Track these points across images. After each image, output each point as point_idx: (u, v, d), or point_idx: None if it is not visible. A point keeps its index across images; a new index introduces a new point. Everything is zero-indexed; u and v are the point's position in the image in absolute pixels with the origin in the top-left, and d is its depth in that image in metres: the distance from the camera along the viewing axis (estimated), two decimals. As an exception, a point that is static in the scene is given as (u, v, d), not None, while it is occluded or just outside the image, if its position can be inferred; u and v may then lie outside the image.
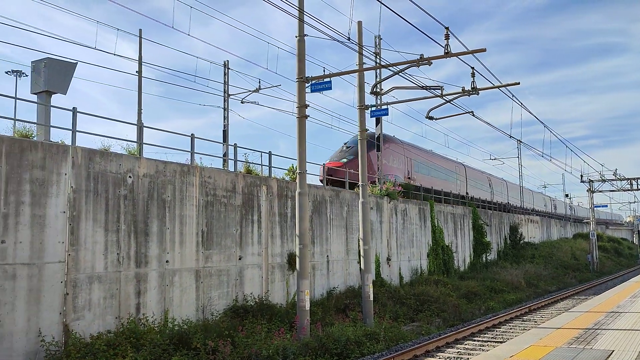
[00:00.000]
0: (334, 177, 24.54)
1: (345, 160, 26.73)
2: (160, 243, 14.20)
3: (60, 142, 12.36)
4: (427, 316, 20.29)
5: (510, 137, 27.97)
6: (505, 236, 43.93)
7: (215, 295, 15.75)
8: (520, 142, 37.30)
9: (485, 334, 17.69)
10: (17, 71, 37.58)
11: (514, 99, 20.93)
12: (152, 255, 13.91)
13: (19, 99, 12.75)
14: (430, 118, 20.42)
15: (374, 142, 27.85)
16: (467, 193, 40.41)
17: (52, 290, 11.46)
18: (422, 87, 18.21)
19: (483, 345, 15.55)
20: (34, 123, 12.22)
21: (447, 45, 14.49)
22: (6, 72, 38.52)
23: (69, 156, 12.10)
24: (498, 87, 17.94)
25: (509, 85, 17.85)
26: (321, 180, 24.36)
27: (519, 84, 17.58)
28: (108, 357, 11.03)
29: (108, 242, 12.81)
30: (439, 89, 18.44)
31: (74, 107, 12.88)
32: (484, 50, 14.38)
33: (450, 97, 18.90)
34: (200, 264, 15.39)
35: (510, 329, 18.73)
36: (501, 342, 15.35)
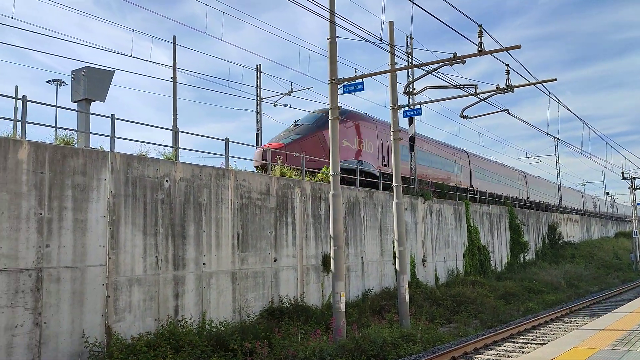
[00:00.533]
0: (273, 162, 18.51)
1: (288, 140, 20.97)
2: (197, 246, 14.42)
3: (99, 148, 12.69)
4: (464, 317, 20.02)
5: (547, 134, 27.35)
6: (543, 236, 43.02)
7: (252, 297, 15.90)
8: (558, 139, 36.44)
9: (524, 335, 17.34)
10: (57, 80, 38.71)
11: (551, 95, 20.48)
12: (189, 258, 14.13)
13: (60, 107, 13.16)
14: (465, 117, 20.18)
15: (328, 117, 21.92)
16: (471, 185, 35.36)
17: (94, 293, 11.77)
18: (456, 86, 18.01)
19: (523, 347, 15.25)
20: (75, 130, 12.58)
21: (480, 42, 14.30)
22: (47, 82, 39.72)
23: (108, 162, 12.42)
24: (534, 83, 17.60)
25: (545, 81, 17.49)
26: (256, 167, 20.06)
27: (555, 80, 17.20)
28: (149, 358, 11.25)
29: (147, 246, 13.08)
30: (473, 88, 18.21)
31: (112, 114, 13.21)
32: (518, 47, 14.13)
33: (484, 96, 18.65)
34: (236, 266, 15.55)
35: (551, 330, 18.32)
36: (542, 344, 15.03)
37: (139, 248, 12.90)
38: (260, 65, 28.20)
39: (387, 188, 24.52)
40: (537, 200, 47.37)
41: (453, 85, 18.06)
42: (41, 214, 11.00)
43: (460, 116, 20.09)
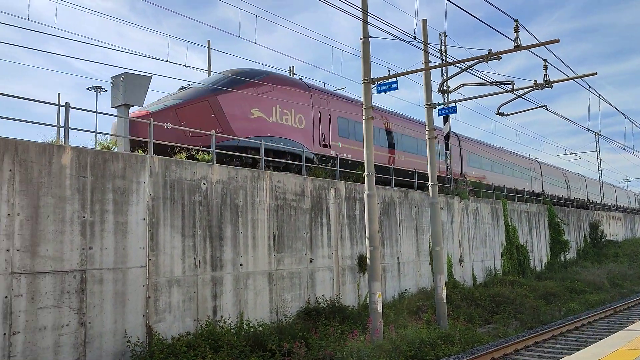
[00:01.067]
0: (138, 138, 13.62)
1: (159, 107, 15.22)
2: (234, 247, 14.59)
3: (138, 152, 12.98)
4: (504, 318, 19.68)
5: (588, 130, 26.68)
6: (584, 234, 41.91)
7: (288, 298, 15.99)
8: (599, 134, 35.50)
9: (566, 336, 16.93)
10: (97, 87, 39.77)
11: (591, 90, 19.96)
12: (226, 259, 14.31)
13: (100, 112, 13.52)
14: (501, 114, 19.85)
15: (234, 78, 16.90)
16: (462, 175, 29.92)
17: (136, 294, 12.04)
18: (492, 83, 17.73)
19: (565, 349, 14.89)
20: (115, 135, 12.89)
21: (516, 38, 14.03)
22: (87, 88, 40.91)
23: (147, 165, 12.69)
24: (573, 78, 17.18)
25: (584, 76, 17.05)
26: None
27: (596, 74, 16.76)
28: (189, 358, 11.44)
29: (185, 247, 13.31)
30: (509, 84, 17.89)
31: (150, 119, 13.49)
32: (556, 41, 13.81)
33: (521, 92, 18.30)
34: (273, 267, 15.67)
35: (595, 331, 17.83)
36: (585, 345, 14.64)
37: (178, 249, 13.13)
38: (293, 67, 28.35)
39: (422, 187, 24.33)
40: (578, 198, 46.18)
41: (489, 82, 17.80)
42: (84, 217, 11.32)
43: (497, 113, 19.78)
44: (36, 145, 10.75)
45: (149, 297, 12.32)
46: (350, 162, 20.49)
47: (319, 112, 19.90)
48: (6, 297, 9.91)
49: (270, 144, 17.09)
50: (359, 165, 19.63)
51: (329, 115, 20.30)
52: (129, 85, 12.88)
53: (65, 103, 11.76)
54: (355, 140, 21.17)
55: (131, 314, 11.90)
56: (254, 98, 17.03)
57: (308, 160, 18.75)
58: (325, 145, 19.97)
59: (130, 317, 11.88)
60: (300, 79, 21.13)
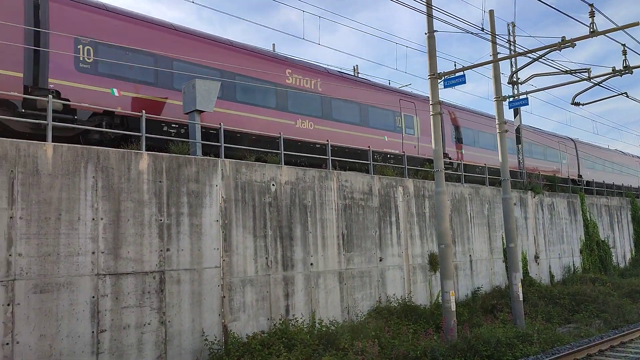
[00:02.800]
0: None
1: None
2: (304, 247, 14.74)
3: (210, 156, 13.37)
4: (585, 317, 18.76)
5: (673, 117, 24.94)
6: (672, 228, 39.27)
7: (359, 297, 15.98)
8: (685, 121, 33.07)
9: (656, 337, 15.92)
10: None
11: (676, 74, 18.67)
12: (297, 259, 14.49)
13: (173, 120, 14.01)
14: (576, 104, 18.96)
15: None
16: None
17: (211, 294, 12.41)
18: (566, 72, 16.96)
19: (655, 350, 14.02)
20: (188, 140, 13.33)
21: (592, 23, 13.36)
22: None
23: (218, 169, 13.05)
24: (655, 62, 16.13)
25: (668, 59, 15.97)
26: None
27: (681, 56, 15.67)
28: (264, 356, 11.66)
29: (257, 247, 13.58)
30: (585, 72, 17.05)
31: (220, 123, 13.87)
32: (636, 24, 13.02)
33: (598, 80, 17.40)
34: (343, 266, 15.71)
35: (687, 331, 16.66)
36: (677, 347, 13.72)
37: (250, 250, 13.42)
38: (357, 66, 28.30)
39: (494, 183, 23.63)
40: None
41: (562, 71, 17.04)
42: (161, 220, 11.79)
43: (572, 103, 18.90)
44: (116, 152, 11.30)
45: (224, 297, 12.67)
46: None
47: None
48: (93, 297, 10.49)
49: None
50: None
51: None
52: (200, 92, 13.28)
53: (142, 111, 12.28)
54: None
55: (207, 313, 12.28)
56: None
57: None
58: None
59: (207, 316, 12.26)
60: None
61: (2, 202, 9.60)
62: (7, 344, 9.31)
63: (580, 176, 33.33)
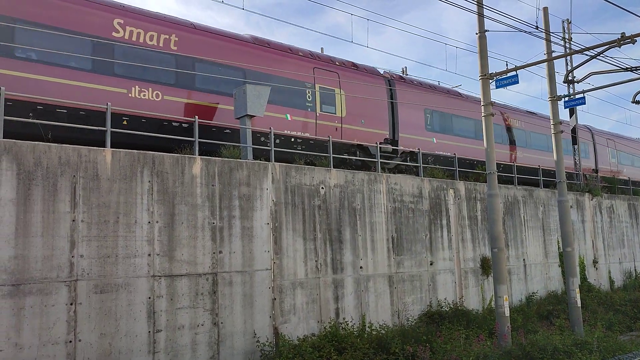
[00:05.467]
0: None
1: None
2: (354, 250, 14.72)
3: (261, 160, 13.57)
4: (649, 325, 17.95)
5: None
6: None
7: (409, 301, 15.82)
8: None
9: None
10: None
11: None
12: (346, 262, 14.48)
13: (224, 125, 14.29)
14: (637, 102, 18.17)
15: None
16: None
17: (262, 296, 12.57)
18: (626, 69, 16.29)
19: None
20: (239, 145, 13.58)
21: (653, 18, 12.77)
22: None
23: (269, 172, 13.22)
24: None
25: None
26: None
27: None
28: (314, 359, 11.70)
29: (307, 250, 13.66)
30: (646, 69, 16.33)
31: (270, 127, 14.06)
32: (702, 17, 12.37)
33: (661, 76, 16.62)
34: (392, 270, 15.59)
35: None
36: None
37: (300, 252, 13.52)
38: (405, 67, 28.10)
39: (548, 185, 22.94)
40: None
41: (622, 69, 16.37)
42: (214, 223, 12.04)
43: (633, 102, 18.14)
44: (170, 157, 11.63)
45: (275, 299, 12.80)
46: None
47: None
48: (149, 297, 10.81)
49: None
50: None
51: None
52: (250, 97, 13.50)
53: (195, 116, 12.60)
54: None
55: (259, 315, 12.44)
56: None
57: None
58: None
59: (258, 318, 12.42)
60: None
61: (65, 205, 10.04)
62: (70, 341, 9.73)
63: None
